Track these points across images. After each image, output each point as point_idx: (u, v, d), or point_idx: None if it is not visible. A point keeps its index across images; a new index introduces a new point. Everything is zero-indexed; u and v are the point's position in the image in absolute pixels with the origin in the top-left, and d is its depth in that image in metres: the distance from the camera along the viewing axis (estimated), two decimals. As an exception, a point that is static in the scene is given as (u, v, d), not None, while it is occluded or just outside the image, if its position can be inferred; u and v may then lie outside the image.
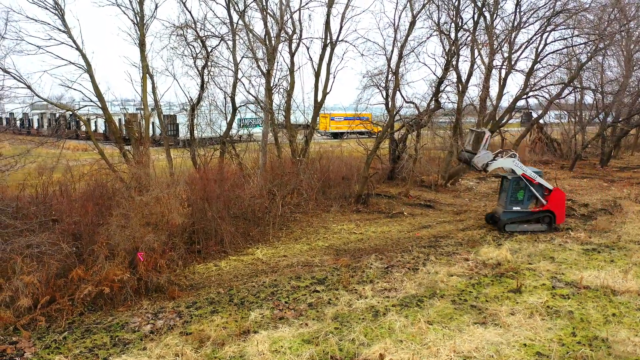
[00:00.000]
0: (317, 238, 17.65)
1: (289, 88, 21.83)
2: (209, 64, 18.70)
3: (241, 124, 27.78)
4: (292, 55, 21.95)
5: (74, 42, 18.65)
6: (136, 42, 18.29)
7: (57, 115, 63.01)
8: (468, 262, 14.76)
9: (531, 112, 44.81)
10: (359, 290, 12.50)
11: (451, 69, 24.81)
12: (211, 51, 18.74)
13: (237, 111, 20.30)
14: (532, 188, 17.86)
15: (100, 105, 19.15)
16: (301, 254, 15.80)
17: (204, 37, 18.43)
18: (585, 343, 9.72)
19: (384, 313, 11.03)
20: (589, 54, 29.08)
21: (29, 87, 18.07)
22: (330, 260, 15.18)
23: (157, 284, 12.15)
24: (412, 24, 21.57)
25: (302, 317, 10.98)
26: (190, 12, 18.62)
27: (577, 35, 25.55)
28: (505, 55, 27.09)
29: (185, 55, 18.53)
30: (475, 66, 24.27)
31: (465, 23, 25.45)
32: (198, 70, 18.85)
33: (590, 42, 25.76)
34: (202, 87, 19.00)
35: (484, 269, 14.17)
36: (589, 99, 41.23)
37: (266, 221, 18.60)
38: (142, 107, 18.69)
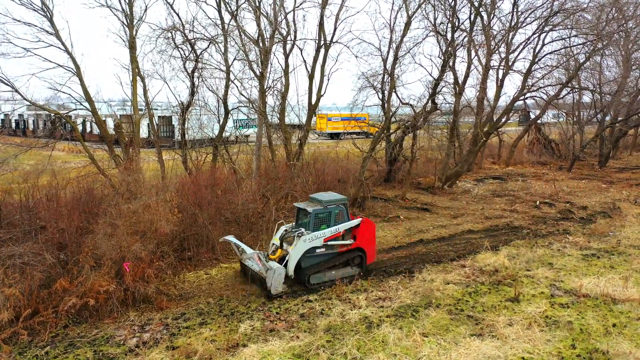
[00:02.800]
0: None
1: (283, 90, 21.47)
2: (199, 66, 18.32)
3: (236, 125, 27.42)
4: (286, 56, 21.60)
5: (63, 44, 18.27)
6: (126, 44, 17.93)
7: (53, 116, 62.78)
8: (465, 269, 14.43)
9: (529, 112, 44.50)
10: (352, 299, 12.17)
11: (448, 69, 24.50)
12: (201, 54, 18.37)
13: (230, 114, 19.92)
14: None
15: (89, 109, 18.78)
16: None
17: (193, 40, 18.03)
18: (585, 356, 9.41)
19: (378, 324, 10.71)
20: (587, 54, 28.77)
21: (16, 91, 17.70)
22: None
23: (144, 295, 11.79)
24: (408, 24, 21.24)
25: (293, 328, 10.65)
26: (177, 14, 18.34)
27: (575, 36, 25.24)
28: (503, 55, 26.80)
29: (175, 58, 18.19)
30: (472, 67, 23.97)
31: (462, 23, 25.13)
32: (188, 73, 18.48)
33: (588, 43, 25.43)
34: (193, 91, 18.63)
35: (481, 276, 13.85)
36: (587, 99, 41.02)
37: (259, 227, 18.24)
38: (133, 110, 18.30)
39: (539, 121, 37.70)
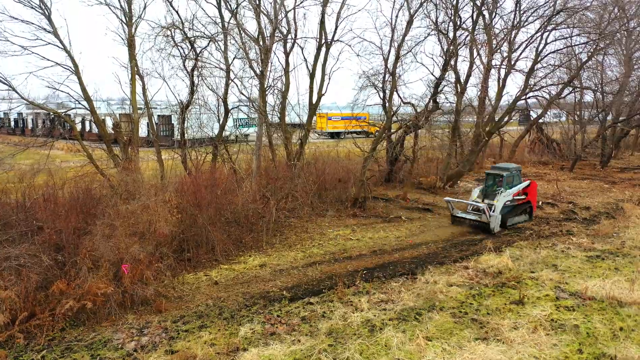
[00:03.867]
0: (312, 245, 17.09)
1: (283, 89, 21.25)
2: (198, 65, 18.09)
3: (236, 124, 27.20)
4: (286, 55, 21.38)
5: (61, 42, 18.08)
6: (125, 42, 17.70)
7: (52, 115, 62.53)
8: (468, 270, 14.24)
9: (529, 112, 44.27)
10: (354, 302, 11.96)
11: (449, 69, 24.30)
12: (200, 52, 18.11)
13: (230, 113, 19.69)
14: None
15: (88, 108, 18.58)
16: (295, 262, 15.26)
17: (193, 38, 17.77)
18: (592, 361, 9.22)
19: (381, 328, 10.51)
20: (589, 53, 28.60)
21: (14, 89, 17.51)
22: (325, 268, 14.65)
23: (143, 297, 11.60)
24: (410, 23, 21.04)
25: (294, 332, 10.44)
26: (177, 12, 18.05)
27: (578, 35, 25.06)
28: (505, 54, 26.62)
29: (174, 56, 17.94)
30: (475, 66, 23.75)
31: (464, 22, 24.94)
32: (187, 72, 18.24)
33: (591, 42, 25.22)
34: (193, 90, 18.40)
35: (485, 278, 13.65)
36: (588, 98, 40.85)
37: (259, 227, 18.06)
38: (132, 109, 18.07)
39: (540, 120, 37.52)
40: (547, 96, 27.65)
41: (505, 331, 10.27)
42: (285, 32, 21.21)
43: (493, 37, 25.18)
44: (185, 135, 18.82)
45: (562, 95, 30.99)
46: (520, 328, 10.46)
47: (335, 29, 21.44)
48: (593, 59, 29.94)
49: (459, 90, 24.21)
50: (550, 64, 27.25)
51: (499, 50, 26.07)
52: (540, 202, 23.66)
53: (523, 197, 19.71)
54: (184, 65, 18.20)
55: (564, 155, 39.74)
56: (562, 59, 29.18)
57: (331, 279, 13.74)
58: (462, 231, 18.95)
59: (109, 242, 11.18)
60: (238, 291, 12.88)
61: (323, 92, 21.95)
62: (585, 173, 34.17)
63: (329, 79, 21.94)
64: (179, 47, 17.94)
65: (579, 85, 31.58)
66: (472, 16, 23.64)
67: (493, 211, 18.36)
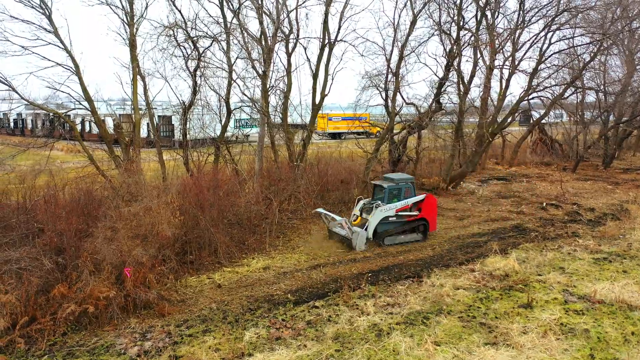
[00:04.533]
0: (316, 247, 16.88)
1: (285, 89, 21.08)
2: (201, 65, 17.90)
3: (237, 125, 26.97)
4: (289, 55, 21.19)
5: (62, 42, 17.92)
6: (126, 42, 17.53)
7: (52, 115, 62.30)
8: (474, 273, 14.07)
9: (531, 113, 44.10)
10: (360, 305, 11.78)
11: (452, 69, 24.15)
12: (203, 52, 17.92)
13: (232, 114, 19.52)
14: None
15: (89, 108, 18.42)
16: (299, 264, 15.07)
17: (196, 38, 17.58)
18: (605, 367, 9.04)
19: (388, 332, 10.33)
20: (593, 54, 28.45)
21: (14, 90, 17.34)
22: (330, 271, 14.47)
23: (145, 301, 11.40)
24: (413, 22, 20.87)
25: (300, 336, 10.26)
26: (180, 11, 17.82)
27: (582, 35, 24.89)
28: (508, 55, 26.45)
29: (176, 56, 17.77)
30: (478, 67, 23.58)
31: (467, 22, 24.78)
32: (190, 72, 18.04)
33: (595, 42, 25.04)
34: (195, 90, 18.22)
35: (492, 281, 13.48)
36: (591, 98, 40.69)
37: (262, 229, 17.88)
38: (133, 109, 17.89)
39: (542, 121, 37.33)
40: (550, 97, 27.46)
41: (514, 336, 10.10)
42: (287, 32, 21.05)
43: (496, 37, 25.03)
44: (188, 135, 18.62)
45: (565, 96, 30.80)
46: (529, 332, 10.28)
47: (339, 29, 21.29)
48: (596, 59, 29.77)
49: (463, 90, 24.04)
50: (554, 65, 27.09)
51: (501, 51, 25.94)
52: (544, 204, 23.50)
53: (415, 213, 17.23)
54: (187, 66, 18.02)
55: (566, 156, 39.57)
56: (566, 59, 29.01)
57: (336, 281, 13.56)
58: (467, 233, 18.77)
59: (111, 245, 10.98)
60: (242, 294, 12.70)
61: (326, 92, 21.78)
62: (588, 174, 34.00)
63: (332, 79, 21.83)
64: (182, 47, 17.76)
65: (582, 86, 31.38)
66: (476, 16, 23.47)
67: (366, 228, 16.40)
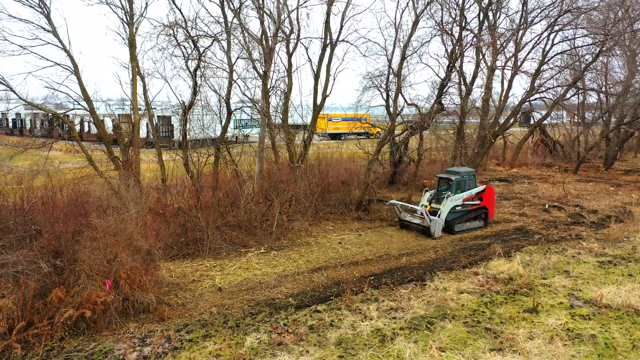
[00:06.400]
0: (317, 249, 16.71)
1: (286, 90, 20.86)
2: (201, 65, 17.66)
3: (236, 125, 26.73)
4: (289, 56, 20.97)
5: (61, 42, 17.69)
6: (126, 42, 17.31)
7: (50, 116, 61.91)
8: (478, 276, 13.88)
9: (532, 113, 43.95)
10: (363, 310, 11.59)
11: (454, 70, 23.96)
12: (204, 52, 17.66)
13: (232, 114, 19.30)
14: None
15: (87, 108, 18.21)
16: (300, 267, 14.88)
17: (196, 37, 17.32)
18: (614, 374, 8.86)
19: (392, 338, 10.14)
20: (594, 54, 28.28)
21: (12, 90, 17.12)
22: (331, 274, 14.28)
23: (145, 305, 11.21)
24: (416, 23, 20.67)
25: (302, 342, 10.06)
26: (180, 10, 17.53)
27: (585, 36, 24.70)
28: (509, 55, 26.26)
29: (176, 56, 17.52)
30: (480, 68, 23.37)
31: (469, 23, 24.59)
32: (190, 72, 17.81)
33: (598, 42, 24.85)
34: (195, 90, 17.99)
35: (496, 284, 13.29)
36: (591, 99, 40.52)
37: (263, 230, 17.70)
38: (133, 110, 17.66)
39: (543, 122, 37.17)
40: (552, 98, 27.28)
41: (520, 341, 9.91)
42: (288, 32, 20.83)
43: (498, 38, 24.85)
44: (187, 136, 18.40)
45: (567, 97, 30.62)
46: (536, 338, 10.10)
47: (341, 28, 21.07)
48: (598, 60, 29.61)
49: (465, 91, 23.84)
50: (556, 65, 26.91)
51: (503, 52, 25.75)
52: (546, 205, 23.33)
53: (477, 202, 19.01)
54: (187, 66, 17.76)
55: (567, 157, 39.40)
56: (568, 60, 28.84)
57: (338, 285, 13.37)
58: (468, 236, 18.59)
59: (95, 253, 10.78)
60: (243, 298, 12.50)
61: (328, 93, 21.57)
62: (589, 175, 33.84)
63: (334, 79, 21.62)
64: (182, 47, 17.51)
65: (584, 87, 31.22)
66: (478, 16, 23.27)
67: (439, 216, 17.88)
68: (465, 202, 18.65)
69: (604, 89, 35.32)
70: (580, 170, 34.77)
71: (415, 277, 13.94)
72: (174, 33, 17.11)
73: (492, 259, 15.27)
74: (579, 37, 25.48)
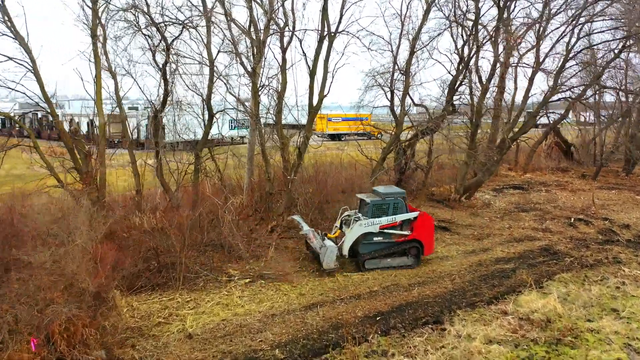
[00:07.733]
0: (312, 278, 14.14)
1: (280, 89, 18.29)
2: (171, 59, 15.04)
3: (231, 125, 24.15)
4: (283, 50, 18.36)
5: (17, 33, 15.20)
6: (88, 31, 14.76)
7: (40, 115, 59.16)
8: (507, 317, 11.37)
9: (547, 114, 41.34)
10: (368, 370, 9.09)
11: (464, 69, 21.46)
12: (172, 42, 14.93)
13: (215, 118, 16.76)
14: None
15: (48, 110, 15.75)
16: (291, 302, 12.36)
17: (162, 24, 14.50)
18: None
19: (407, 419, 7.63)
20: (618, 50, 25.77)
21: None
22: (328, 312, 11.77)
23: (88, 366, 8.72)
24: (427, 12, 18.13)
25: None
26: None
27: (616, 28, 22.13)
28: (524, 51, 23.73)
29: (143, 49, 14.86)
30: (498, 64, 20.78)
31: (483, 14, 21.97)
32: (159, 67, 15.20)
33: (633, 35, 22.25)
34: (166, 89, 15.42)
35: (532, 329, 10.77)
36: (608, 98, 37.89)
37: (251, 251, 15.20)
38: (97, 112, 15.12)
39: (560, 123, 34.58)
40: (573, 96, 24.77)
41: None
42: (282, 24, 18.26)
43: (514, 32, 22.35)
44: (160, 142, 15.85)
45: (587, 96, 28.04)
46: (598, 419, 7.60)
47: (340, 18, 18.47)
48: (622, 55, 27.04)
49: (481, 90, 21.27)
50: (581, 62, 24.36)
51: (517, 48, 23.17)
52: (572, 219, 20.78)
53: (406, 233, 14.72)
54: (154, 59, 15.15)
55: (582, 161, 36.78)
56: (595, 55, 26.26)
57: (336, 329, 10.86)
58: (490, 258, 16.06)
59: (22, 299, 8.28)
60: (217, 349, 10.00)
61: (325, 92, 18.97)
62: (610, 182, 31.29)
63: (332, 77, 18.99)
64: (146, 37, 14.85)
65: (604, 85, 28.61)
66: (497, 4, 20.54)
67: (339, 244, 14.27)
68: (386, 231, 14.56)
69: (623, 87, 32.68)
70: (599, 176, 32.21)
71: (432, 318, 11.43)
72: (135, 19, 14.50)
73: (522, 292, 12.80)
74: (605, 30, 22.88)
